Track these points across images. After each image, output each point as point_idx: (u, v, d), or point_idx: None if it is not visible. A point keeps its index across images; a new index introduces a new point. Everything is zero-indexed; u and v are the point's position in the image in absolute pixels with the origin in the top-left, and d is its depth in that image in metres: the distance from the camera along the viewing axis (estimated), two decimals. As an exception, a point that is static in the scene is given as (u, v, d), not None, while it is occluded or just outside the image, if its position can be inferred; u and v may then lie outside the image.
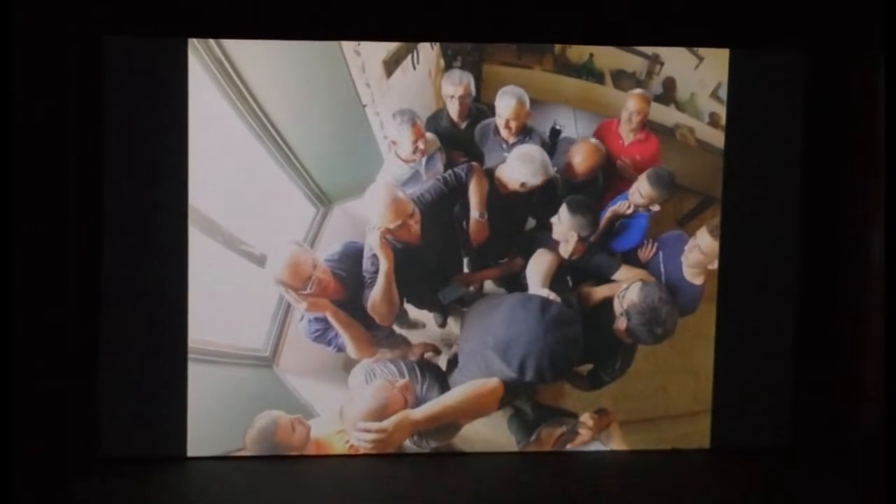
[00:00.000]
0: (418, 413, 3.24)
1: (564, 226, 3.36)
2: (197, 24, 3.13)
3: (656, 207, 3.40)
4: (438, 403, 3.27)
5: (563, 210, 3.35)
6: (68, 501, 2.78)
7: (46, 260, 2.79)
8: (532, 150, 3.33)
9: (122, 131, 3.14)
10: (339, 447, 3.32)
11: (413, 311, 3.45)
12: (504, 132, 3.38)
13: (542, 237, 3.43)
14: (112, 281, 3.17)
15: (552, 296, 3.28)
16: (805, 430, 3.39)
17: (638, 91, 3.41)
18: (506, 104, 3.34)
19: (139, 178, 3.18)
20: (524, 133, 3.40)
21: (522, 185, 3.32)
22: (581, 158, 3.40)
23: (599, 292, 3.43)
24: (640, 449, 3.45)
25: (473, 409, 3.32)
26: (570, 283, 3.42)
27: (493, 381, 3.24)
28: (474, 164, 3.35)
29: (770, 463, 3.31)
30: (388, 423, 3.19)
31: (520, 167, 3.31)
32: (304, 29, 3.18)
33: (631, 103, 3.41)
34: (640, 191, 3.38)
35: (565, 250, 3.39)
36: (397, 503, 3.01)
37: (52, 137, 2.86)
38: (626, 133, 3.43)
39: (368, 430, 3.19)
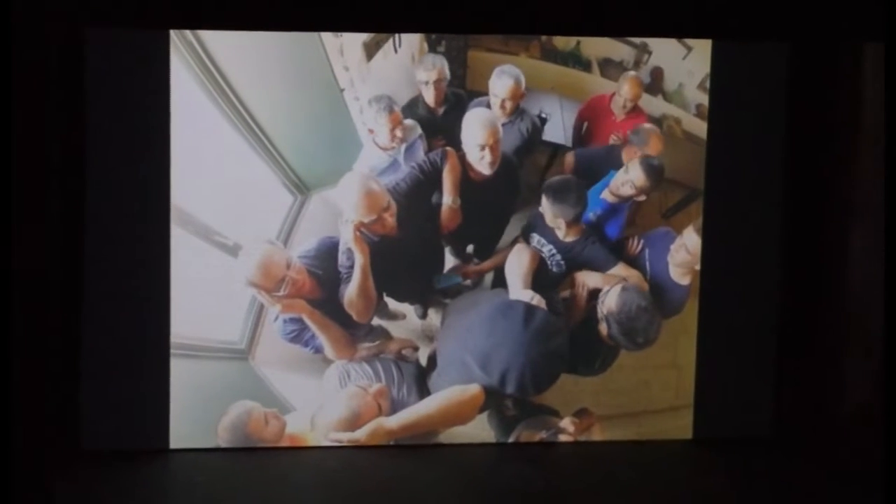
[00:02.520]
0: (393, 422, 3.13)
1: (549, 214, 3.29)
2: (179, 16, 3.04)
3: (642, 198, 3.34)
4: (414, 412, 3.16)
5: (543, 199, 3.29)
6: (50, 496, 2.72)
7: (27, 254, 2.71)
8: (470, 112, 3.26)
9: (104, 123, 3.06)
10: (313, 444, 3.23)
11: (393, 303, 3.37)
12: (498, 111, 3.31)
13: (538, 219, 3.36)
14: (94, 274, 3.09)
15: (535, 299, 3.16)
16: (787, 421, 3.39)
17: (632, 74, 3.35)
18: (503, 84, 3.27)
19: (121, 170, 3.09)
20: (516, 114, 3.33)
21: (481, 147, 3.20)
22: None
23: (591, 280, 3.34)
24: (623, 439, 3.41)
25: (451, 419, 3.20)
26: (564, 268, 3.35)
27: (474, 389, 3.12)
28: (449, 149, 3.26)
29: (752, 453, 3.29)
30: (361, 434, 3.09)
31: (466, 131, 3.23)
32: (286, 20, 3.08)
33: (625, 89, 3.36)
34: (634, 181, 3.30)
35: (561, 236, 3.32)
36: (380, 495, 2.95)
37: (32, 130, 2.76)
38: (619, 110, 3.38)
39: (341, 441, 3.10)
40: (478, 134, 3.21)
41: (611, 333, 3.27)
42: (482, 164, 3.23)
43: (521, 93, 3.29)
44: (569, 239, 3.33)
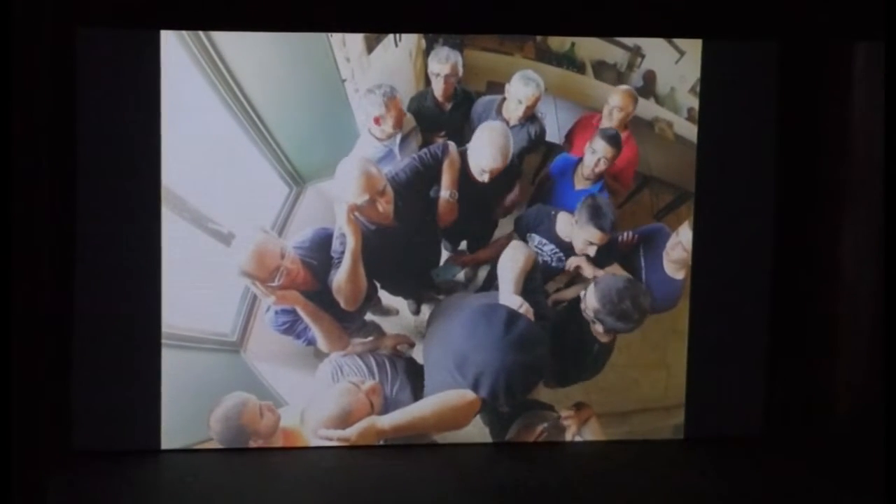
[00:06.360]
0: (385, 422, 3.04)
1: (581, 238, 3.27)
2: (171, 16, 3.03)
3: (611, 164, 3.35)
4: (408, 413, 3.08)
5: (583, 214, 3.25)
6: (41, 497, 2.62)
7: (18, 250, 2.62)
8: (489, 126, 3.24)
9: (95, 114, 3.02)
10: (306, 439, 3.17)
11: (386, 298, 3.33)
12: (513, 114, 3.31)
13: (543, 213, 3.34)
14: (85, 270, 3.04)
15: (523, 307, 3.09)
16: (778, 420, 3.42)
17: (624, 87, 3.37)
18: (529, 92, 3.27)
19: (113, 163, 3.04)
20: (528, 119, 3.34)
21: (483, 171, 3.20)
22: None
23: (589, 269, 3.35)
24: (614, 439, 3.41)
25: (446, 423, 3.14)
26: (565, 263, 3.35)
27: (471, 395, 3.03)
28: (450, 142, 3.25)
29: (743, 452, 3.31)
30: (351, 432, 3.00)
31: (477, 143, 3.20)
32: (283, 20, 3.08)
33: (614, 98, 3.36)
34: (604, 154, 3.31)
35: (579, 250, 3.32)
36: (375, 495, 2.90)
37: (23, 121, 2.69)
38: (606, 121, 3.38)
39: (330, 439, 3.02)
40: (488, 157, 3.18)
41: (606, 328, 3.26)
42: (482, 177, 3.22)
43: (539, 99, 3.31)
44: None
